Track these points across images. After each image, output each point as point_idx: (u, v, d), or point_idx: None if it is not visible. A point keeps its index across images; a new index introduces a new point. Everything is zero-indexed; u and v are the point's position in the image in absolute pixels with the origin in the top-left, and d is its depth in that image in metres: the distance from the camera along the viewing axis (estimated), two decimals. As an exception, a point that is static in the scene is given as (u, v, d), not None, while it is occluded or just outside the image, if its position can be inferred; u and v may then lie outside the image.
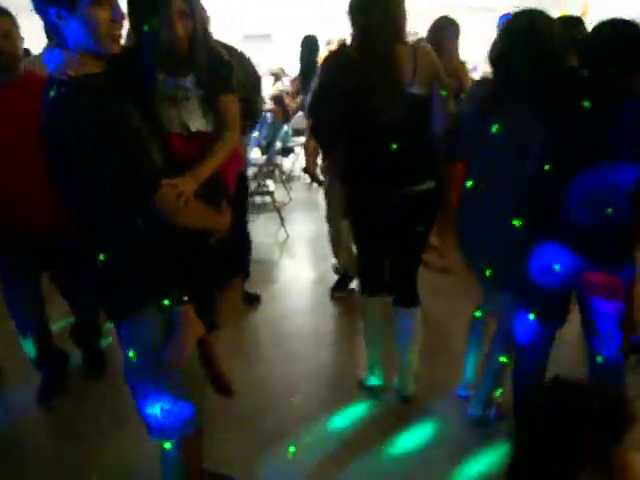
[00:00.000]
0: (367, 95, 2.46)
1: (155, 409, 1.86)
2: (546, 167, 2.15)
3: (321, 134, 2.82)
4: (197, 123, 2.00)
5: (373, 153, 2.59)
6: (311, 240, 5.63)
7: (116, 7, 1.59)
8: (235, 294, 2.88)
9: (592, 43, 2.20)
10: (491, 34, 2.52)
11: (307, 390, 3.13)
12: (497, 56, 2.35)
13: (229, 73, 2.09)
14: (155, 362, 1.78)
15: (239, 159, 2.43)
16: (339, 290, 4.33)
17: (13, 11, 2.62)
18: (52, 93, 1.57)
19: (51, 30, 1.60)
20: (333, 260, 4.39)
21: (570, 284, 2.27)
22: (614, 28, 2.16)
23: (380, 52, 2.46)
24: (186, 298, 1.78)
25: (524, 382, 2.51)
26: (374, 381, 3.04)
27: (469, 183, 2.49)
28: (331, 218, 4.22)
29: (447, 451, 2.65)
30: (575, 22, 3.26)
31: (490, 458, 2.59)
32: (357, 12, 2.48)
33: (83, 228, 1.76)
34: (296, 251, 5.49)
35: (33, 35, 3.95)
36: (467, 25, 4.16)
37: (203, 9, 2.14)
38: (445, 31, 4.17)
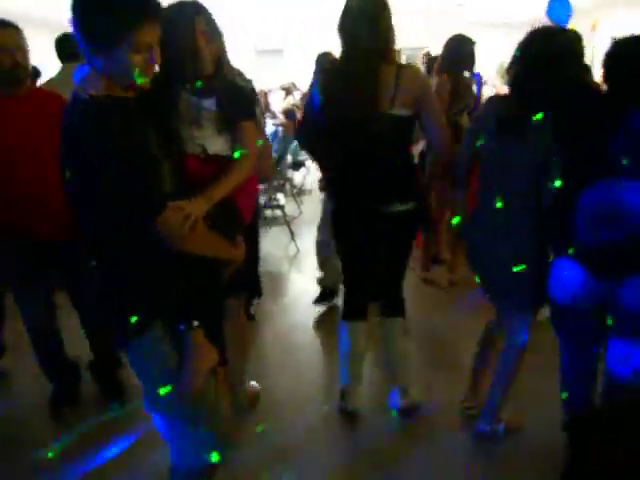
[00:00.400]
0: (345, 111, 2.48)
1: (174, 438, 1.83)
2: (557, 184, 2.15)
3: (309, 145, 2.84)
4: (216, 146, 2.01)
5: (351, 169, 2.60)
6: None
7: (153, 54, 1.57)
8: (239, 319, 2.85)
9: (617, 59, 2.16)
10: (495, 49, 2.53)
11: (317, 402, 3.13)
12: (515, 76, 2.36)
13: (250, 99, 2.10)
14: (165, 389, 1.72)
15: (254, 189, 2.39)
16: (320, 302, 4.37)
17: (21, 24, 2.66)
18: (73, 109, 1.57)
19: (84, 55, 1.59)
20: (318, 273, 4.43)
21: (592, 303, 2.24)
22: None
23: (361, 70, 2.47)
24: (196, 323, 1.70)
25: (569, 406, 2.50)
26: (350, 407, 2.98)
27: (482, 200, 2.52)
28: (322, 228, 4.25)
29: (456, 466, 2.64)
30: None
31: (499, 474, 2.58)
32: (345, 29, 2.51)
33: (90, 245, 1.73)
34: (306, 265, 5.49)
35: (40, 47, 4.03)
36: (483, 42, 4.23)
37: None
38: (462, 48, 4.25)
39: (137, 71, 1.55)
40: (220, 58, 2.01)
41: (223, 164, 1.96)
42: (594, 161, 2.10)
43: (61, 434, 2.89)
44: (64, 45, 3.84)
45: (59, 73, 3.80)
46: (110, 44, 1.50)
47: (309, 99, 2.79)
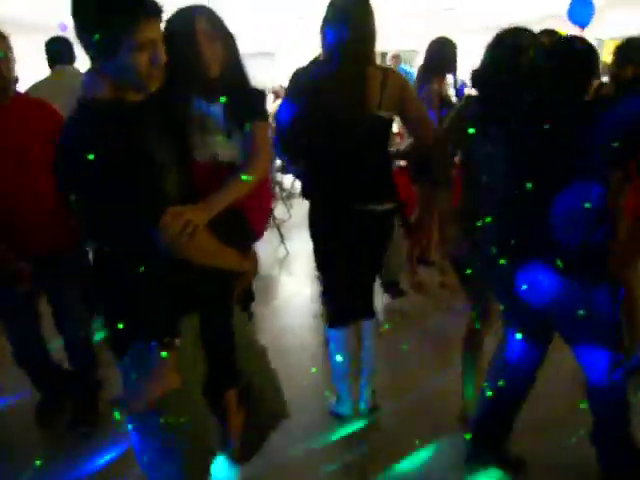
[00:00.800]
0: (331, 112, 2.49)
1: (142, 458, 1.77)
2: (528, 185, 2.15)
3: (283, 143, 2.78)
4: (227, 153, 1.89)
5: (332, 169, 2.60)
6: (310, 257, 5.59)
7: (157, 50, 1.54)
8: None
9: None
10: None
11: (307, 406, 3.10)
12: (477, 76, 2.44)
13: (259, 98, 1.98)
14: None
15: (268, 194, 2.16)
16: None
17: (12, 29, 2.62)
18: (74, 116, 1.55)
19: (91, 60, 1.57)
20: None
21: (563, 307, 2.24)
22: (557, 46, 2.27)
23: (350, 73, 2.49)
24: (177, 342, 1.63)
25: (500, 398, 2.50)
26: (346, 410, 3.00)
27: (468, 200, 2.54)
28: None
29: (446, 466, 2.64)
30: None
31: (489, 477, 2.57)
32: (330, 29, 2.51)
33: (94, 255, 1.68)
34: (295, 268, 5.49)
35: (31, 52, 4.01)
36: (468, 45, 4.22)
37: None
38: (443, 51, 4.22)
39: (144, 72, 1.52)
40: (229, 61, 1.90)
41: (235, 171, 1.82)
42: (565, 163, 2.12)
43: (51, 441, 2.88)
44: (53, 48, 3.82)
45: (50, 76, 3.79)
46: (111, 49, 1.48)
47: (284, 105, 2.73)
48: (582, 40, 2.27)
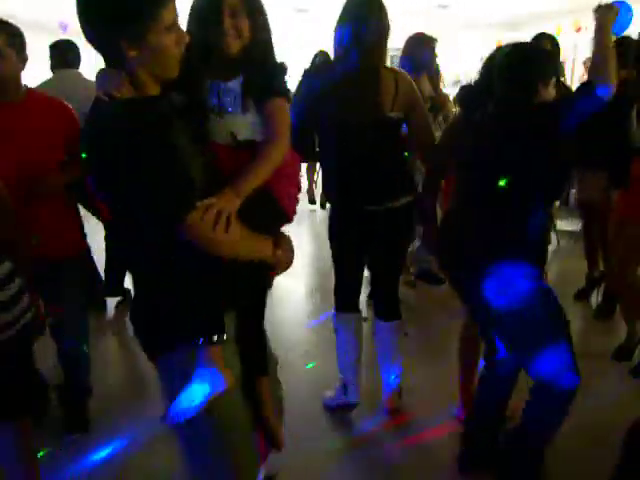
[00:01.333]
0: (346, 113, 2.52)
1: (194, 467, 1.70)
2: (502, 182, 2.17)
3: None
4: (246, 131, 1.81)
5: (348, 168, 2.63)
6: (306, 254, 5.66)
7: (180, 30, 1.50)
8: None
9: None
10: (480, 50, 2.59)
11: (302, 401, 3.11)
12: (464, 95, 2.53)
13: (280, 74, 1.89)
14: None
15: (295, 173, 2.03)
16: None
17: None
18: (96, 118, 1.48)
19: (114, 60, 1.49)
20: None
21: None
22: (510, 52, 2.26)
23: (365, 74, 2.52)
24: (223, 337, 1.57)
25: (482, 400, 2.54)
26: (352, 398, 2.99)
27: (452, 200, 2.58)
28: None
29: (447, 466, 2.63)
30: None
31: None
32: (348, 26, 2.52)
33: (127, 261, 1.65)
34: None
35: (40, 51, 4.02)
36: (468, 42, 4.18)
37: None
38: (422, 47, 4.13)
39: (171, 56, 1.48)
40: (255, 39, 1.83)
41: (255, 150, 1.74)
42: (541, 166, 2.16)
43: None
44: (57, 52, 3.82)
45: (52, 79, 3.80)
46: (143, 26, 1.41)
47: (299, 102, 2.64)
48: (535, 46, 2.35)
